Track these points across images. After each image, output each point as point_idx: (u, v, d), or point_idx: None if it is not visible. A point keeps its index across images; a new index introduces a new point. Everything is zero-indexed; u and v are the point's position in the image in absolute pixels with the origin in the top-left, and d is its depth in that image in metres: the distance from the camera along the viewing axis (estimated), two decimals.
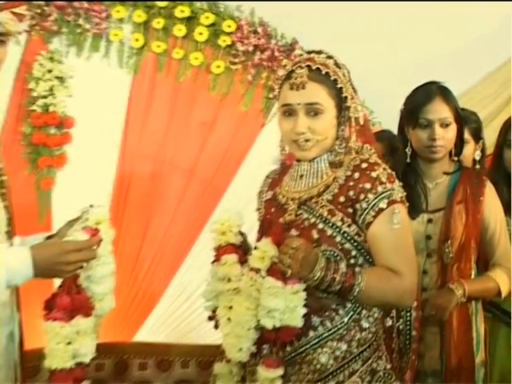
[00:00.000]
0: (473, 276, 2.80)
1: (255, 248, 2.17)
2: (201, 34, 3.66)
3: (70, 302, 2.01)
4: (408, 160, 2.82)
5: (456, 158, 2.89)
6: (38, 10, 3.55)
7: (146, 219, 3.75)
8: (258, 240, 2.27)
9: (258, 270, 2.11)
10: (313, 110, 2.16)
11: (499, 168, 2.99)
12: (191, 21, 3.67)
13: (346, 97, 2.18)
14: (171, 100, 3.74)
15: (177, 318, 3.75)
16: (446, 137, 2.78)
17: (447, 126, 2.77)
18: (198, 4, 3.68)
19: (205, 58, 3.70)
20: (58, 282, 2.10)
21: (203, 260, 3.30)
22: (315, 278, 2.05)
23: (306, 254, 2.03)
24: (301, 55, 2.39)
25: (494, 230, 2.76)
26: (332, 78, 2.16)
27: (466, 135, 2.99)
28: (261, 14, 3.72)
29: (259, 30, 3.69)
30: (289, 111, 2.20)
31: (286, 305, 2.04)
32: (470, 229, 2.78)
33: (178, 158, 3.76)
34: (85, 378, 2.08)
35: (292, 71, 2.19)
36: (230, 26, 3.65)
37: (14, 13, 2.10)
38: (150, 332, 3.75)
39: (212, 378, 2.39)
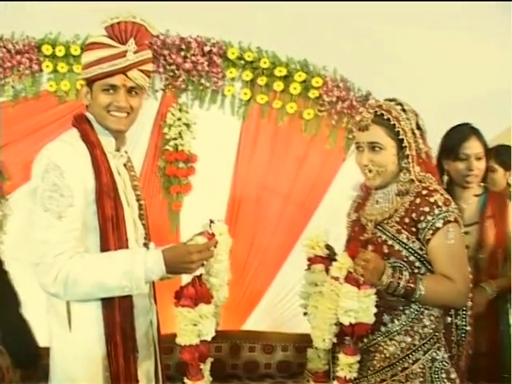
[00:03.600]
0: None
1: (335, 260, 2.29)
2: (295, 88, 3.98)
3: (195, 292, 2.14)
4: (445, 186, 2.96)
5: (482, 184, 3.11)
6: (171, 73, 3.90)
7: (252, 234, 4.06)
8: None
9: (337, 278, 2.25)
10: (374, 147, 2.34)
11: None
12: (287, 78, 3.98)
13: (402, 138, 2.32)
14: (272, 140, 4.06)
15: (276, 311, 4.08)
16: (479, 167, 3.03)
17: (480, 159, 3.02)
18: (293, 65, 3.98)
19: (298, 107, 4.02)
20: (185, 278, 2.24)
21: (296, 266, 3.33)
22: (383, 283, 2.22)
23: (375, 265, 2.20)
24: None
25: None
26: (392, 123, 2.32)
27: (496, 165, 3.23)
28: (341, 72, 4.02)
29: (341, 84, 4.00)
30: (359, 147, 2.40)
31: (360, 306, 2.19)
32: (499, 238, 3.00)
33: (277, 185, 4.06)
34: (209, 355, 2.23)
35: (361, 116, 2.39)
36: (317, 82, 3.97)
37: (141, 70, 2.30)
38: (256, 322, 4.07)
39: (307, 361, 2.56)
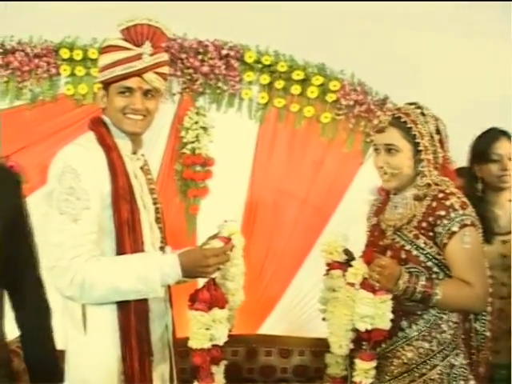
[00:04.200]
0: None
1: (350, 266, 2.30)
2: (312, 92, 3.95)
3: (209, 296, 2.15)
4: (479, 194, 3.01)
5: None
6: (188, 77, 3.89)
7: (269, 237, 4.02)
8: None
9: (352, 284, 2.25)
10: (390, 149, 2.34)
11: None
12: (305, 82, 3.95)
13: (418, 142, 2.32)
14: (289, 144, 4.03)
15: (293, 315, 4.02)
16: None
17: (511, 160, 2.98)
18: (310, 69, 3.96)
19: (315, 111, 3.98)
20: (202, 281, 2.24)
21: (313, 271, 3.57)
22: (399, 289, 2.22)
23: (390, 271, 2.20)
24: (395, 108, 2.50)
25: None
26: (408, 126, 2.32)
27: None
28: (359, 76, 3.99)
29: (358, 88, 3.94)
30: (376, 150, 2.42)
31: (376, 312, 2.18)
32: None
33: (294, 189, 4.02)
34: (221, 359, 2.23)
35: (380, 118, 2.41)
36: (335, 86, 3.93)
37: (158, 73, 2.31)
38: (272, 326, 4.00)
39: (325, 366, 2.56)
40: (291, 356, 3.83)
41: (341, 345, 2.32)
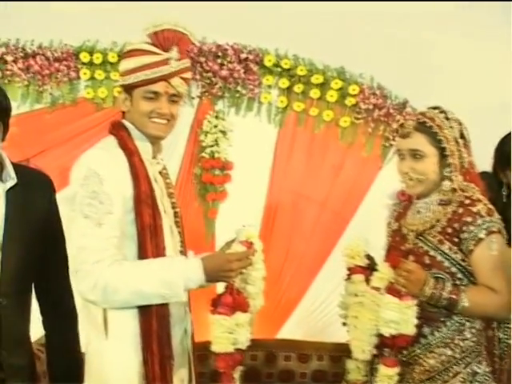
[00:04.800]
0: None
1: (376, 270, 2.31)
2: (331, 96, 3.91)
3: (232, 300, 2.15)
4: (504, 200, 2.86)
5: None
6: (207, 81, 3.89)
7: (288, 241, 3.99)
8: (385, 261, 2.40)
9: (378, 289, 2.26)
10: (415, 155, 2.33)
11: None
12: (324, 86, 3.92)
13: (445, 147, 2.31)
14: (308, 148, 4.00)
15: (312, 319, 4.02)
16: None
17: None
18: (329, 73, 3.95)
19: (334, 115, 3.95)
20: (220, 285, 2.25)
21: (332, 275, 3.69)
22: (425, 294, 2.22)
23: (417, 276, 2.20)
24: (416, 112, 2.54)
25: None
26: (434, 130, 2.32)
27: None
28: (378, 80, 3.97)
29: (377, 92, 3.91)
30: (400, 155, 2.40)
31: (401, 317, 2.18)
32: None
33: (313, 193, 4.00)
34: (242, 362, 2.23)
35: (403, 123, 2.39)
36: (354, 90, 3.89)
37: (182, 78, 2.34)
38: (291, 330, 3.98)
39: (345, 372, 2.55)
40: (310, 361, 3.80)
41: (364, 350, 2.31)
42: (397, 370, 2.26)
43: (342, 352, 3.50)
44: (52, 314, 2.32)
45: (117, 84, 2.35)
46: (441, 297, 2.21)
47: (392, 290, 2.22)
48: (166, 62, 2.28)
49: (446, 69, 3.92)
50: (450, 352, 2.28)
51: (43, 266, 2.19)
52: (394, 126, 3.92)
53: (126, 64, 2.32)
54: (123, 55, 2.38)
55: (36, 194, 2.23)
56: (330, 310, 3.94)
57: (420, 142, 2.33)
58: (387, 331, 2.20)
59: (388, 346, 2.24)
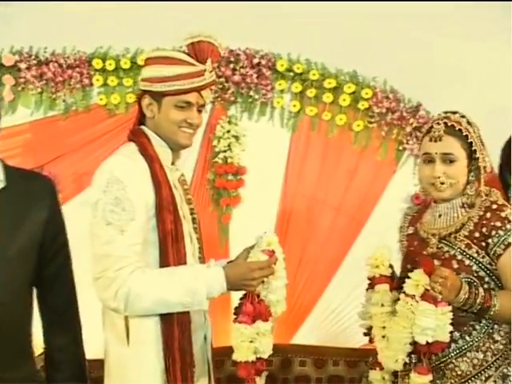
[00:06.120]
0: None
1: (409, 277, 2.26)
2: (344, 100, 3.92)
3: (253, 309, 2.15)
4: None
5: None
6: (220, 86, 3.89)
7: (302, 246, 3.99)
8: (403, 267, 2.46)
9: (413, 296, 2.22)
10: (447, 159, 2.31)
11: None
12: (337, 90, 3.93)
13: (475, 149, 2.32)
14: (322, 152, 4.00)
15: (326, 324, 4.02)
16: None
17: None
18: (342, 77, 3.95)
19: (348, 119, 3.95)
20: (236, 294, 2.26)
21: (347, 280, 3.77)
22: (460, 300, 2.20)
23: (453, 282, 2.18)
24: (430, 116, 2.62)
25: None
26: (464, 134, 2.31)
27: None
28: (391, 83, 3.97)
29: (390, 95, 3.91)
30: (428, 159, 2.36)
31: (437, 324, 2.16)
32: None
33: (327, 197, 4.01)
34: (264, 370, 2.23)
35: (431, 127, 2.35)
36: (367, 93, 3.90)
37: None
38: (305, 335, 3.99)
39: (366, 382, 2.55)
40: (325, 366, 3.79)
41: (397, 359, 2.28)
42: (430, 377, 2.24)
43: (357, 357, 3.61)
44: (51, 328, 2.18)
45: (142, 88, 2.32)
46: (475, 302, 2.21)
47: (427, 296, 2.20)
48: (201, 73, 2.29)
49: (458, 71, 3.93)
50: (481, 356, 2.28)
51: (40, 276, 2.07)
52: (408, 129, 3.94)
53: (156, 71, 2.30)
54: (150, 61, 2.37)
55: (32, 200, 2.04)
56: (344, 314, 3.96)
57: (453, 145, 2.32)
58: (423, 339, 2.19)
59: (422, 354, 2.23)
